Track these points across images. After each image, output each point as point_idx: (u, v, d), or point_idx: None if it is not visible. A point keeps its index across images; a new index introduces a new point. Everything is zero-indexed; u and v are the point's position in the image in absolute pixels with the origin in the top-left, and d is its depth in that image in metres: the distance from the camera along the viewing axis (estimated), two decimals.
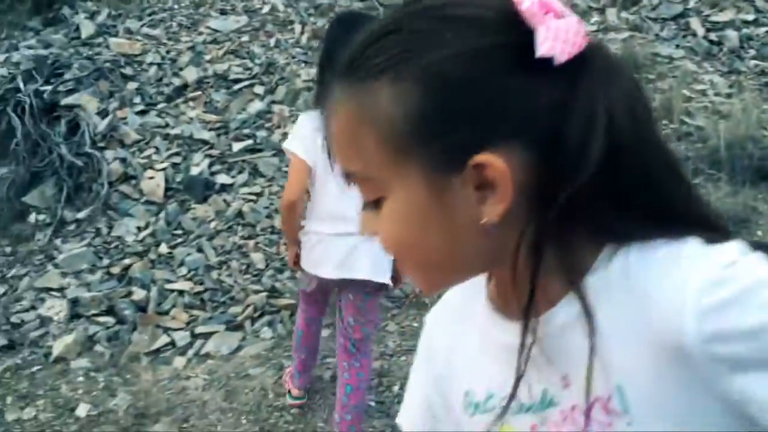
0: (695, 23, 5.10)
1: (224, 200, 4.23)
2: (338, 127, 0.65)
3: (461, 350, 0.75)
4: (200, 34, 5.38)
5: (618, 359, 0.60)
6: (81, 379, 3.29)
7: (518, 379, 0.64)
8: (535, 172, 0.60)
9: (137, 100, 4.81)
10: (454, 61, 0.59)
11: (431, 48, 0.60)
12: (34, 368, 3.37)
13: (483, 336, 0.72)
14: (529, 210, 0.60)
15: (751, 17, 5.11)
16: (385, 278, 2.53)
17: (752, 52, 4.90)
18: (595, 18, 5.32)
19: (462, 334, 0.75)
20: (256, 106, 4.80)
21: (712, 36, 5.01)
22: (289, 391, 3.05)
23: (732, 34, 4.96)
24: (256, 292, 3.72)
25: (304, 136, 2.43)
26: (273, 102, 4.86)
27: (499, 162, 0.59)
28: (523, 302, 0.63)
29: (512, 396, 0.65)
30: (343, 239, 2.46)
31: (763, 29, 5.02)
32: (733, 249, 0.59)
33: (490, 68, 0.59)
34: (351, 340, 2.63)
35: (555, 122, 0.59)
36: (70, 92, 4.75)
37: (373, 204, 0.66)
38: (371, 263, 2.47)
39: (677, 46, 5.01)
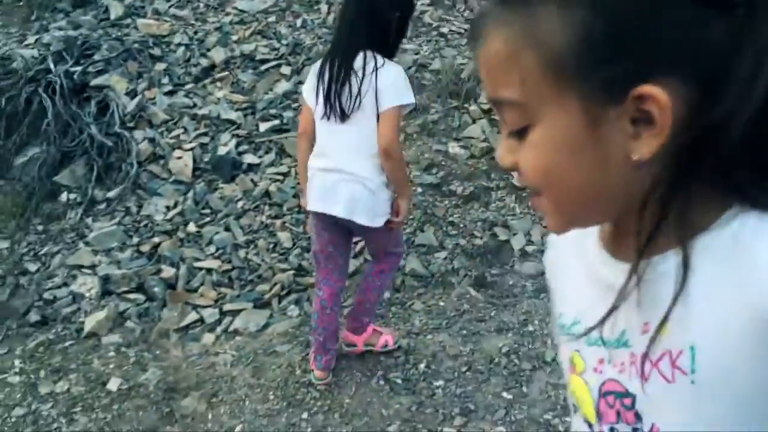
0: None
1: (251, 180, 4.26)
2: (493, 50, 0.63)
3: (567, 277, 0.79)
4: (227, 14, 5.39)
5: (702, 320, 0.60)
6: (112, 354, 3.35)
7: (610, 311, 0.65)
8: (693, 110, 0.59)
9: (165, 80, 4.84)
10: None
11: None
12: (67, 343, 3.44)
13: (588, 270, 0.73)
14: (673, 153, 0.60)
15: None
16: (363, 219, 2.67)
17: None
18: None
19: (572, 265, 0.77)
20: (283, 86, 4.81)
21: None
22: (312, 371, 3.08)
23: None
24: (283, 270, 3.74)
25: (308, 82, 2.75)
26: (300, 82, 4.85)
27: (663, 95, 0.58)
28: (636, 244, 0.63)
29: (601, 322, 0.67)
30: (328, 174, 2.68)
31: None
32: None
33: None
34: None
35: (722, 59, 0.57)
36: (99, 73, 4.80)
37: (518, 133, 0.65)
38: (347, 202, 2.65)
39: None
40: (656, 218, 0.61)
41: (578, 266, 0.75)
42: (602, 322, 0.66)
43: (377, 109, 2.57)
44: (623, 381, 0.68)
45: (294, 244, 3.90)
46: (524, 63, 0.61)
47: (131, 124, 4.52)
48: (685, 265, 0.60)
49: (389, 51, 2.67)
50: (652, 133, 0.59)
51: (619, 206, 0.66)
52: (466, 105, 4.57)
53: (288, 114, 4.61)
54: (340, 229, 2.82)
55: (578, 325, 0.74)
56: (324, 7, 5.42)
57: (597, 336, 0.70)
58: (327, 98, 2.62)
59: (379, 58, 2.59)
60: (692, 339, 0.61)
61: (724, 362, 0.59)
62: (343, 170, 2.66)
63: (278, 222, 4.01)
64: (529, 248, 3.78)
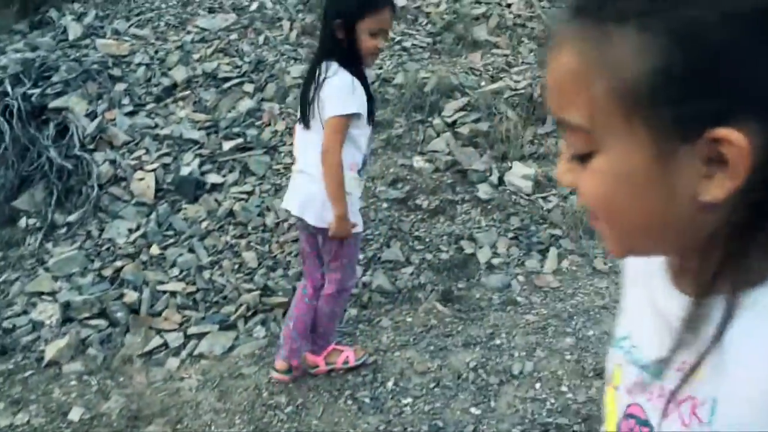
0: None
1: (215, 200, 4.21)
2: (564, 66, 0.60)
3: (631, 289, 0.79)
4: (188, 33, 5.35)
5: (732, 375, 0.59)
6: (74, 382, 3.28)
7: (674, 348, 0.64)
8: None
9: (126, 101, 4.79)
10: (716, 21, 0.54)
11: (691, 2, 0.55)
12: (27, 373, 3.36)
13: (648, 291, 0.73)
14: (744, 198, 0.57)
15: None
16: (311, 218, 2.81)
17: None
18: None
19: (638, 280, 0.77)
20: (246, 104, 4.78)
21: None
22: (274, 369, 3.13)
23: None
24: (249, 291, 3.70)
25: None
26: (263, 100, 4.84)
27: (743, 140, 0.55)
28: (696, 283, 0.63)
29: (664, 360, 0.65)
30: (296, 175, 2.90)
31: None
32: None
33: (752, 35, 0.54)
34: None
35: None
36: (58, 95, 4.73)
37: (580, 157, 0.62)
38: (301, 200, 2.84)
39: None
40: (717, 261, 0.60)
41: (642, 283, 0.75)
42: (665, 360, 0.65)
43: (320, 118, 2.69)
44: (647, 410, 0.69)
45: (259, 264, 3.86)
46: (594, 88, 0.58)
47: (91, 146, 4.46)
48: (729, 315, 0.59)
49: (350, 59, 2.67)
50: (726, 176, 0.56)
51: (681, 243, 0.63)
52: (430, 119, 4.58)
53: (251, 132, 4.58)
54: (309, 229, 2.93)
55: (626, 340, 0.75)
56: (286, 24, 5.41)
57: (640, 357, 0.71)
58: (299, 106, 2.85)
59: (333, 68, 2.66)
60: (718, 392, 0.60)
61: (742, 422, 0.59)
62: (305, 171, 2.83)
63: (243, 242, 3.97)
64: (495, 261, 3.78)
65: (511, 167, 4.23)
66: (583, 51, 0.58)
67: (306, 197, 2.82)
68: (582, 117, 0.60)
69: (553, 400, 2.89)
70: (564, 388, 2.93)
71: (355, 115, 2.67)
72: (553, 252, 3.77)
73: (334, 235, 2.80)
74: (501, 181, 4.19)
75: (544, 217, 3.99)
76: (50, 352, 3.40)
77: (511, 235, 3.90)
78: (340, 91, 2.64)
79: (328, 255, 2.95)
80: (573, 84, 0.59)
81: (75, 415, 3.07)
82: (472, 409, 2.91)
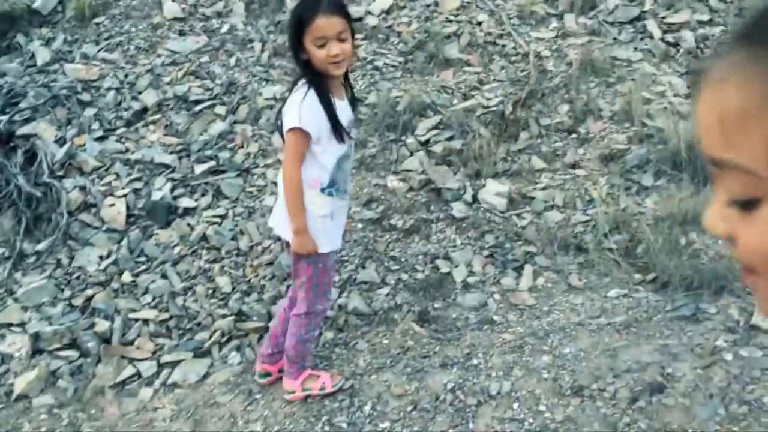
0: (652, 25, 5.14)
1: (188, 224, 4.16)
2: (732, 102, 0.52)
3: None
4: (159, 56, 5.31)
5: None
6: (44, 416, 3.21)
7: None
8: None
9: (95, 126, 4.73)
10: None
11: None
12: None
13: None
14: None
15: (705, 17, 5.15)
16: (278, 228, 2.97)
17: (708, 51, 4.95)
18: (554, 24, 5.34)
19: None
20: (218, 126, 4.74)
21: (669, 38, 5.05)
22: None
23: (688, 35, 5.01)
24: (223, 316, 3.65)
25: None
26: (235, 122, 4.81)
27: None
28: None
29: None
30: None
31: (718, 29, 5.06)
32: None
33: None
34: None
35: None
36: (26, 121, 4.67)
37: (742, 204, 0.55)
38: (273, 214, 3.01)
39: (635, 48, 5.04)
40: None
41: None
42: None
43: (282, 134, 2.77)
44: None
45: (233, 289, 3.81)
46: (764, 124, 0.51)
47: (61, 173, 4.39)
48: None
49: (311, 75, 2.69)
50: None
51: None
52: (403, 137, 4.58)
53: (224, 155, 4.54)
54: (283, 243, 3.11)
55: None
56: (258, 45, 5.39)
57: None
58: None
59: (298, 85, 2.73)
60: None
61: None
62: (278, 185, 2.93)
63: (216, 266, 3.93)
64: (471, 279, 3.77)
65: (484, 185, 4.23)
66: (755, 84, 0.51)
67: (276, 210, 2.97)
68: (752, 159, 0.52)
69: (531, 420, 2.87)
70: (542, 407, 2.91)
71: (305, 132, 2.66)
72: (528, 269, 3.77)
73: (295, 251, 2.82)
74: (475, 199, 4.19)
75: (519, 234, 3.99)
76: (19, 385, 3.33)
77: (486, 253, 3.89)
78: (291, 106, 2.69)
79: (293, 272, 2.99)
80: (741, 121, 0.52)
81: None
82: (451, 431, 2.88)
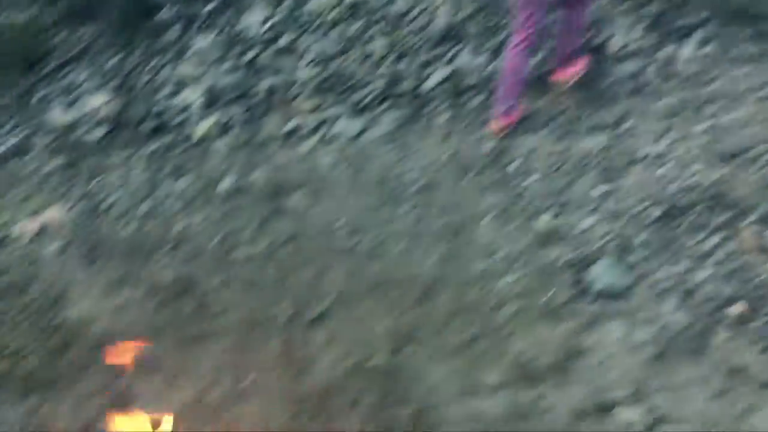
0: None
1: None
2: None
3: None
4: None
5: None
6: (221, 157, 3.58)
7: None
8: None
9: None
10: None
11: None
12: (180, 149, 3.69)
13: None
14: None
15: None
16: None
17: None
18: None
19: None
20: None
21: None
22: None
23: None
24: (378, 78, 3.79)
25: None
26: None
27: None
28: None
29: None
30: None
31: None
32: None
33: None
34: None
35: None
36: None
37: None
38: None
39: None
40: None
41: None
42: None
43: None
44: None
45: (389, 53, 3.90)
46: None
47: None
48: None
49: None
50: None
51: None
52: None
53: None
54: None
55: None
56: None
57: None
58: None
59: None
60: None
61: None
62: None
63: (371, 31, 4.00)
64: (631, 47, 3.64)
65: None
66: None
67: None
68: None
69: (679, 182, 2.90)
70: (693, 170, 2.92)
71: None
72: (695, 36, 3.57)
73: None
74: None
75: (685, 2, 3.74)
76: (200, 130, 3.70)
77: (647, 21, 3.71)
78: None
79: None
80: None
81: (226, 183, 3.40)
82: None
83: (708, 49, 3.55)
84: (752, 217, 2.70)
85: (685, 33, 3.62)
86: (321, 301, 2.82)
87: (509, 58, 3.27)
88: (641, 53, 3.62)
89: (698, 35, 3.60)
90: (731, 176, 2.85)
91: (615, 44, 3.69)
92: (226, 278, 3.02)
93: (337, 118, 3.69)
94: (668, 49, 3.59)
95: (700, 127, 3.10)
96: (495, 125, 3.36)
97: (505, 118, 3.33)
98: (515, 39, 3.24)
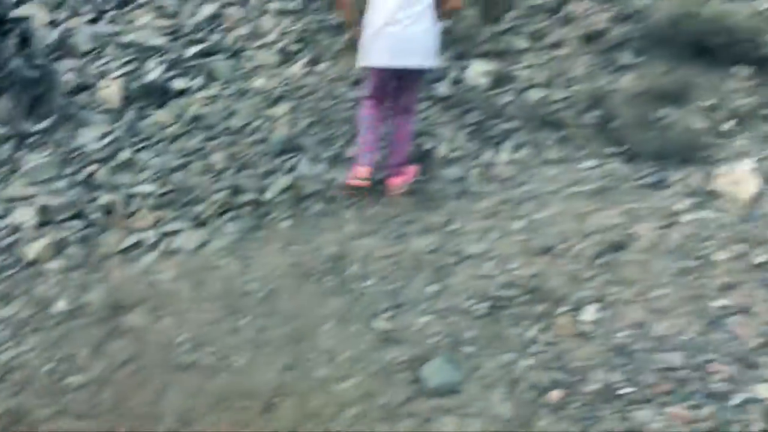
0: None
1: (182, 105, 4.31)
2: None
3: None
4: None
5: None
6: (55, 279, 3.46)
7: None
8: None
9: (87, 9, 4.78)
10: None
11: None
12: (10, 272, 3.53)
13: None
14: None
15: None
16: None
17: None
18: None
19: None
20: (208, 8, 4.80)
21: None
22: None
23: None
24: (219, 190, 3.86)
25: None
26: (224, 5, 4.86)
27: None
28: None
29: None
30: None
31: None
32: None
33: None
34: None
35: None
36: (17, 4, 4.71)
37: None
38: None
39: None
40: None
41: None
42: None
43: None
44: None
45: (228, 166, 4.00)
46: None
47: (54, 56, 4.49)
48: None
49: None
50: None
51: None
52: None
53: (215, 37, 4.62)
54: None
55: None
56: None
57: None
58: None
59: None
60: None
61: None
62: None
63: (211, 144, 4.10)
64: (453, 155, 3.95)
65: (469, 65, 4.35)
66: None
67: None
68: None
69: (502, 277, 3.14)
70: (513, 265, 3.17)
71: None
72: (507, 144, 3.95)
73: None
74: (459, 79, 4.31)
75: (500, 112, 4.14)
76: (31, 251, 3.57)
77: (468, 130, 4.06)
78: None
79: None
80: None
81: (59, 306, 3.28)
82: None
83: (521, 153, 3.93)
84: (566, 306, 2.95)
85: (501, 139, 4.01)
86: (160, 422, 2.74)
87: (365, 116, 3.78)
88: (464, 159, 3.95)
89: (512, 141, 3.99)
90: (547, 269, 3.12)
91: (441, 151, 4.01)
92: (60, 408, 2.87)
93: (177, 231, 3.70)
94: (487, 155, 3.94)
95: (517, 225, 3.39)
96: (393, 183, 3.79)
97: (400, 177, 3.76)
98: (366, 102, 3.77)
